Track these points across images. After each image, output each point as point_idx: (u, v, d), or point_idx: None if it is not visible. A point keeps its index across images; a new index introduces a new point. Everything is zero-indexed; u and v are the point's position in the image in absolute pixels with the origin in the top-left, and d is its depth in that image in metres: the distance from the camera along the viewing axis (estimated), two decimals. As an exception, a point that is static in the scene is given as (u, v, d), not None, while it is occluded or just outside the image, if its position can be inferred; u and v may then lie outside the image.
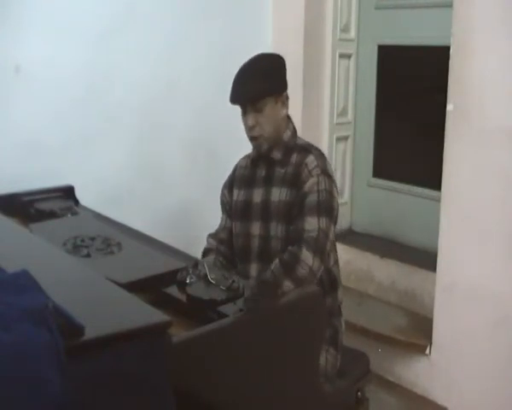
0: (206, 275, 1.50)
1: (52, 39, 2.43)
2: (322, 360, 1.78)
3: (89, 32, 2.53)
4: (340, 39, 3.27)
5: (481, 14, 2.30)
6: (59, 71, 2.46)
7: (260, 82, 1.88)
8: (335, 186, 1.91)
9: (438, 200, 2.58)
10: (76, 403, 0.93)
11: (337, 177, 3.12)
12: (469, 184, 2.41)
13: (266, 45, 3.07)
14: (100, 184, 2.57)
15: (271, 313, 1.46)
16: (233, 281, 1.48)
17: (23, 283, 1.03)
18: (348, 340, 2.07)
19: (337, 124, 3.35)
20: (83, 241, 1.70)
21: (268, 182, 1.96)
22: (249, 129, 1.92)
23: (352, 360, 2.02)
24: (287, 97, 1.96)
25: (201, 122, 2.96)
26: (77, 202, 2.23)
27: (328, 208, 1.84)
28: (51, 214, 2.01)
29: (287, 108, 1.97)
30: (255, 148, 1.99)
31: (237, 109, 1.94)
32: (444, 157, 2.47)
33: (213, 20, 2.95)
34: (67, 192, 2.24)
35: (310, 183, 1.86)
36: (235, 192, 2.05)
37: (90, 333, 1.01)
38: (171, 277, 1.50)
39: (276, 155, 1.96)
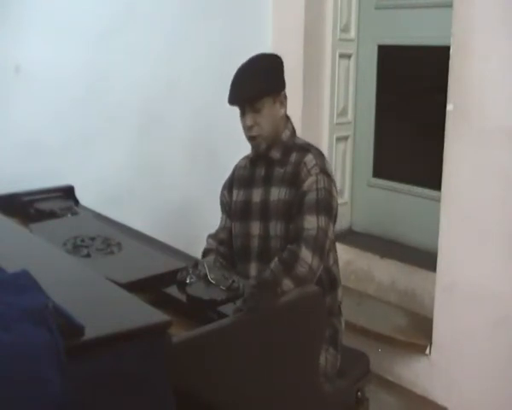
0: (206, 275, 1.50)
1: (52, 39, 2.43)
2: (322, 359, 1.77)
3: (89, 32, 2.53)
4: (340, 39, 3.27)
5: (481, 14, 2.30)
6: (59, 71, 2.46)
7: (258, 82, 1.88)
8: (334, 185, 1.91)
9: (438, 200, 2.58)
10: (76, 403, 0.93)
11: (337, 177, 3.14)
12: (469, 184, 2.41)
13: (266, 45, 3.07)
14: (100, 184, 2.57)
15: (271, 312, 1.46)
16: (233, 281, 1.48)
17: (23, 283, 1.03)
18: (348, 340, 2.07)
19: (337, 124, 3.35)
20: (83, 241, 1.70)
21: (267, 182, 1.96)
22: (247, 129, 1.92)
23: (352, 359, 2.02)
24: (285, 97, 1.96)
25: (201, 122, 2.96)
26: (77, 202, 2.23)
27: (327, 207, 1.84)
28: (51, 214, 2.01)
29: (285, 107, 1.97)
30: (254, 147, 1.98)
31: (237, 109, 1.93)
32: (444, 157, 2.47)
33: (213, 20, 2.95)
34: (67, 192, 2.24)
35: (309, 181, 1.85)
36: (235, 193, 2.05)
37: (90, 333, 1.01)
38: (171, 277, 1.50)
39: (275, 154, 1.96)
